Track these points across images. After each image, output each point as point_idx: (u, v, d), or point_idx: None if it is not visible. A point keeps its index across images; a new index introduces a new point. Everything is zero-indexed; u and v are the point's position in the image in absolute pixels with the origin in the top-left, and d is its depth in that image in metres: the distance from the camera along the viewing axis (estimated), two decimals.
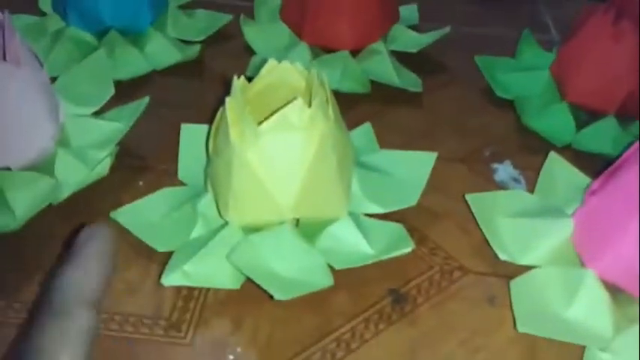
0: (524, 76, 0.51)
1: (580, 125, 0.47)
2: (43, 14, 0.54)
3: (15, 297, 0.33)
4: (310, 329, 0.33)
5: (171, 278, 0.32)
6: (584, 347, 0.32)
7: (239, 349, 0.31)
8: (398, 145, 0.45)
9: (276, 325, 0.32)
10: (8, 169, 0.36)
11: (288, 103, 0.32)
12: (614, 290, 0.33)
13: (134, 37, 0.51)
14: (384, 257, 0.34)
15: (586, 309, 0.32)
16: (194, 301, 0.33)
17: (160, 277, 0.33)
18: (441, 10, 0.65)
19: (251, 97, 0.35)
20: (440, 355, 0.32)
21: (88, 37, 0.51)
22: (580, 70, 0.47)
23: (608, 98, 0.46)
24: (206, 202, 0.36)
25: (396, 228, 0.35)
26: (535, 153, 0.45)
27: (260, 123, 0.32)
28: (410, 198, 0.37)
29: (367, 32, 0.52)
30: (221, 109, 0.35)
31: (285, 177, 0.33)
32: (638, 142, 0.34)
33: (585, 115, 0.48)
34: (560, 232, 0.35)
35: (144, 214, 0.36)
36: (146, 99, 0.41)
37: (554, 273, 0.34)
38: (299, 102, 0.32)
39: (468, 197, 0.38)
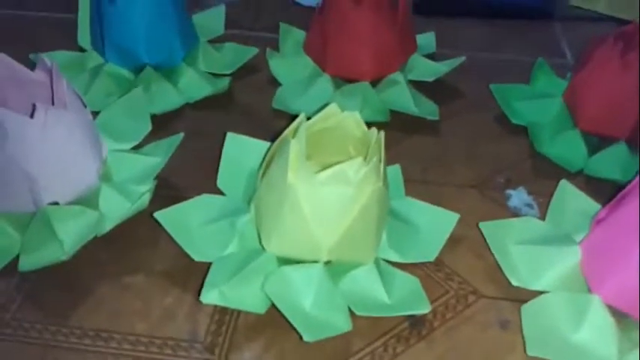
0: (538, 103, 0.53)
1: (592, 151, 0.49)
2: (82, 50, 0.58)
3: (64, 322, 0.36)
4: (332, 353, 0.35)
5: (209, 297, 0.35)
6: None
7: None
8: (418, 172, 0.48)
9: (300, 349, 0.35)
10: (56, 203, 0.39)
11: (344, 153, 0.36)
12: (619, 315, 0.35)
13: (168, 72, 0.55)
14: (404, 313, 0.36)
15: (592, 333, 0.34)
16: (226, 325, 0.36)
17: (196, 298, 0.36)
18: (457, 35, 0.67)
19: (308, 128, 0.38)
20: None
21: (126, 73, 0.54)
22: (590, 99, 0.49)
23: (618, 125, 0.48)
24: (246, 222, 0.39)
25: (413, 283, 0.38)
26: (548, 179, 0.47)
27: (317, 171, 0.35)
28: (429, 254, 0.40)
29: (386, 63, 0.55)
30: (278, 140, 0.38)
31: (331, 223, 0.35)
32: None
33: (597, 142, 0.50)
34: (568, 259, 0.37)
35: (184, 220, 0.39)
36: (181, 135, 0.44)
37: (562, 298, 0.36)
38: (359, 160, 0.34)
39: (482, 225, 0.41)
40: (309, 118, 0.39)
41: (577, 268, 0.37)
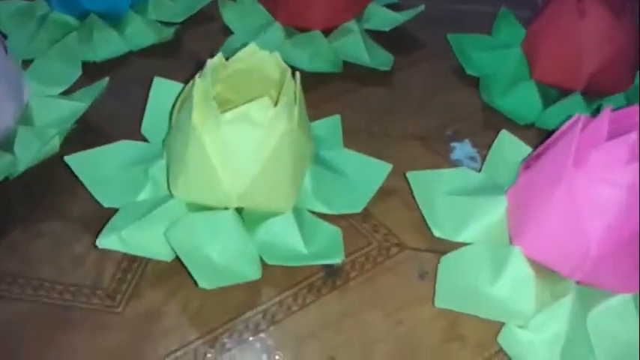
0: (496, 53, 0.50)
1: (548, 105, 0.47)
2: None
3: None
4: (240, 301, 0.34)
5: (107, 241, 0.34)
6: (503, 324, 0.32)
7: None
8: (363, 123, 0.46)
9: (207, 297, 0.33)
10: None
11: (257, 93, 0.33)
12: (542, 267, 0.33)
13: (114, 19, 0.53)
14: (312, 262, 0.35)
15: (510, 287, 0.33)
16: (132, 272, 0.35)
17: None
18: None
19: (224, 76, 0.37)
20: (362, 327, 0.33)
21: (71, 20, 0.53)
22: (545, 47, 0.46)
23: (574, 75, 0.46)
24: (159, 168, 0.37)
25: (334, 233, 0.36)
26: (497, 132, 0.44)
27: (225, 110, 0.33)
28: (356, 204, 0.38)
29: (339, 11, 0.52)
30: (190, 82, 0.36)
31: (238, 168, 0.34)
32: (577, 116, 0.34)
33: (556, 94, 0.47)
34: (494, 209, 0.35)
35: (97, 165, 0.37)
36: (105, 79, 0.43)
37: (482, 250, 0.34)
38: (265, 100, 0.33)
39: (409, 175, 0.39)
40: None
41: (503, 218, 0.35)
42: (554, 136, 0.34)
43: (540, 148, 0.34)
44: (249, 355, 0.32)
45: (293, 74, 0.36)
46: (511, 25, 0.53)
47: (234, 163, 0.34)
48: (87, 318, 0.33)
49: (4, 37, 0.52)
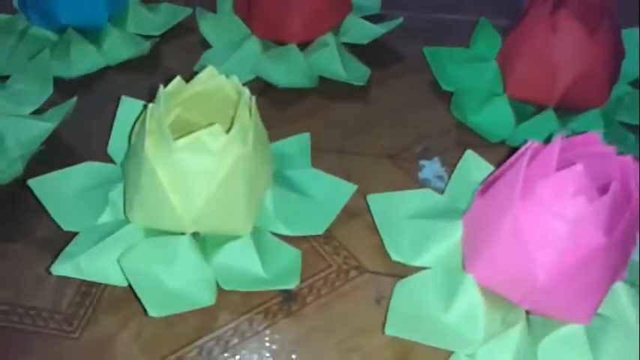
0: (472, 67, 0.50)
1: (522, 121, 0.46)
2: (15, 11, 0.57)
3: None
4: (194, 327, 0.34)
5: (62, 268, 0.34)
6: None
7: None
8: (334, 141, 0.46)
9: (161, 324, 0.33)
10: None
11: (216, 114, 0.35)
12: (494, 295, 0.33)
13: (92, 33, 0.53)
14: (272, 288, 0.35)
15: (460, 315, 0.32)
16: (90, 297, 0.35)
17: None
18: None
19: (184, 99, 0.37)
20: (314, 355, 0.33)
21: (50, 35, 0.53)
22: (519, 62, 0.46)
23: (547, 91, 0.45)
24: (119, 191, 0.37)
25: (294, 256, 0.36)
26: (470, 149, 0.44)
27: (183, 132, 0.33)
28: (318, 227, 0.38)
29: (315, 25, 0.52)
30: (147, 108, 0.36)
31: (190, 193, 0.34)
32: (530, 142, 0.33)
33: (530, 110, 0.47)
34: (450, 234, 0.35)
35: (59, 187, 0.38)
36: (74, 99, 0.43)
37: (435, 277, 0.34)
38: (216, 128, 0.33)
39: (369, 197, 0.39)
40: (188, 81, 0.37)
41: (458, 243, 0.35)
42: (508, 162, 0.33)
43: (495, 174, 0.34)
44: None
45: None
46: (489, 36, 0.52)
47: (186, 188, 0.34)
48: (44, 343, 0.33)
49: None
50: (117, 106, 0.45)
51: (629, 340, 0.32)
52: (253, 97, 0.36)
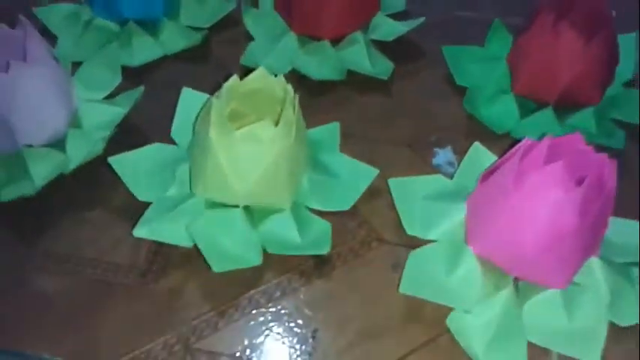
0: (484, 66, 0.56)
1: (526, 115, 0.53)
2: (79, 2, 0.64)
3: (34, 246, 0.44)
4: (246, 282, 0.42)
5: (142, 231, 0.42)
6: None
7: None
8: (360, 129, 0.53)
9: (219, 278, 0.41)
10: (31, 146, 0.46)
11: (265, 108, 0.43)
12: (489, 264, 0.40)
13: (150, 25, 0.60)
14: (303, 253, 0.43)
15: (461, 279, 0.40)
16: (161, 255, 0.43)
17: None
18: None
19: (239, 94, 0.44)
20: (342, 307, 0.41)
21: (112, 25, 0.60)
22: (525, 63, 0.52)
23: (548, 89, 0.52)
24: (184, 170, 0.45)
25: (325, 227, 0.44)
26: (478, 139, 0.51)
27: (238, 123, 0.41)
28: (345, 204, 0.46)
29: (346, 23, 0.59)
30: (210, 99, 0.44)
31: (244, 174, 0.42)
32: (525, 140, 0.40)
33: (533, 106, 0.53)
34: (456, 214, 0.42)
35: (134, 165, 0.46)
36: (141, 88, 0.51)
37: (442, 248, 0.41)
38: (267, 122, 0.41)
39: (390, 181, 0.46)
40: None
41: (462, 222, 0.42)
42: (506, 154, 0.40)
43: (495, 164, 0.41)
44: (251, 326, 0.40)
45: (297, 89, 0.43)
46: (502, 36, 0.59)
47: (241, 170, 0.41)
48: (124, 291, 0.42)
49: (55, 38, 0.60)
50: (176, 92, 0.52)
51: (598, 305, 0.39)
52: (297, 96, 0.43)
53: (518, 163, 0.37)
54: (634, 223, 0.44)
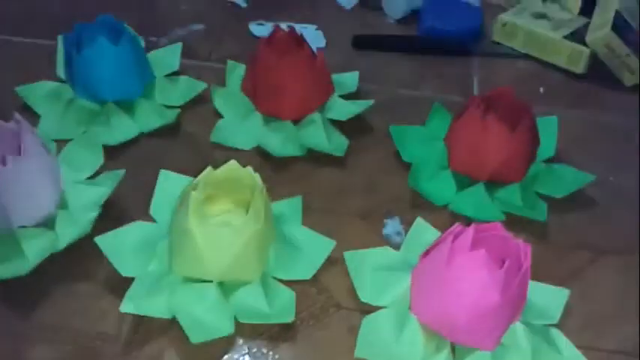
0: (425, 145, 0.64)
1: (461, 189, 0.61)
2: (61, 80, 0.70)
3: (28, 318, 0.49)
4: (220, 348, 0.48)
5: (128, 307, 0.48)
6: None
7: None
8: (319, 202, 0.60)
9: (197, 345, 0.47)
10: (24, 227, 0.52)
11: (237, 193, 0.50)
12: (429, 329, 0.47)
13: (127, 105, 0.67)
14: (271, 321, 0.49)
15: (406, 343, 0.47)
16: (143, 325, 0.49)
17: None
18: (383, 71, 0.78)
19: (214, 182, 0.51)
20: None
21: (93, 105, 0.66)
22: (459, 146, 0.60)
23: (479, 170, 0.60)
24: (163, 246, 0.51)
25: (290, 295, 0.50)
26: (421, 211, 0.59)
27: (213, 209, 0.49)
28: (307, 273, 0.52)
29: (304, 106, 0.66)
30: (189, 189, 0.50)
31: (219, 255, 0.48)
32: (456, 225, 0.48)
33: (467, 181, 0.61)
34: (402, 283, 0.50)
35: (117, 243, 0.51)
36: (122, 171, 0.57)
37: (390, 314, 0.48)
38: (241, 211, 0.48)
39: (345, 254, 0.53)
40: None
41: (408, 290, 0.49)
42: (442, 236, 0.48)
43: (433, 243, 0.48)
44: None
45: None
46: (442, 117, 0.67)
47: (216, 252, 0.48)
48: (111, 358, 0.47)
49: (36, 115, 0.65)
50: (151, 169, 0.59)
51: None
52: (264, 187, 0.50)
53: (449, 246, 0.45)
54: (552, 287, 0.52)
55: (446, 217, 0.59)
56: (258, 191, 0.49)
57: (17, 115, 0.53)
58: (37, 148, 0.52)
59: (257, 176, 0.51)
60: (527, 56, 0.83)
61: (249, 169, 0.51)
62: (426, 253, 0.48)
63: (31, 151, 0.51)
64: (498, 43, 0.85)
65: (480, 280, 0.43)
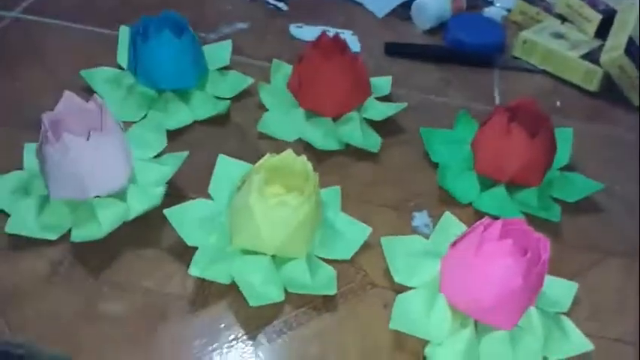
0: (452, 147, 0.71)
1: (484, 190, 0.68)
2: (119, 67, 0.77)
3: (98, 276, 0.56)
4: (270, 314, 0.55)
5: (195, 271, 0.54)
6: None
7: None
8: (354, 192, 0.67)
9: (251, 309, 0.53)
10: (98, 196, 0.58)
11: (291, 179, 0.56)
12: (456, 309, 0.54)
13: (183, 94, 0.73)
14: (316, 293, 0.55)
15: (435, 319, 0.54)
16: (205, 288, 0.56)
17: (187, 269, 0.54)
18: (412, 77, 0.85)
19: (271, 167, 0.57)
20: (343, 337, 0.54)
21: (152, 92, 0.73)
22: (484, 150, 0.67)
23: (502, 173, 0.67)
24: (221, 222, 0.58)
25: (331, 273, 0.57)
26: (447, 207, 0.65)
27: (270, 192, 0.55)
28: (346, 254, 0.59)
29: (344, 105, 0.73)
30: (250, 170, 0.57)
31: (276, 232, 0.55)
32: (485, 219, 0.54)
33: (490, 182, 0.68)
34: (432, 267, 0.56)
35: (183, 216, 0.58)
36: (186, 153, 0.63)
37: (421, 294, 0.55)
38: (297, 193, 0.54)
39: (382, 239, 0.59)
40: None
41: (437, 274, 0.56)
42: (470, 227, 0.55)
43: (463, 233, 0.55)
44: (275, 348, 0.53)
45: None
46: (468, 123, 0.74)
47: (273, 229, 0.54)
48: (176, 315, 0.54)
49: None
50: (204, 153, 0.65)
51: (535, 343, 0.53)
52: (317, 174, 0.56)
53: (479, 236, 0.52)
54: (563, 280, 0.58)
55: (469, 214, 0.66)
56: (312, 178, 0.56)
57: (96, 95, 0.59)
58: (114, 126, 0.58)
59: (311, 166, 0.57)
60: (544, 72, 0.90)
61: (304, 158, 0.58)
62: (456, 242, 0.55)
63: (110, 128, 0.58)
64: (518, 58, 0.92)
65: (506, 266, 0.50)
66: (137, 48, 0.71)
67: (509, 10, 1.02)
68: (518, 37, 0.92)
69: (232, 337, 0.53)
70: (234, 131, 0.73)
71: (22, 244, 0.57)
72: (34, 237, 0.57)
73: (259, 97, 0.76)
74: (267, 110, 0.75)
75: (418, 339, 0.53)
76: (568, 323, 0.56)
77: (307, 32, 0.91)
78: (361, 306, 0.57)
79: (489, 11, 1.02)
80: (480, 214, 0.66)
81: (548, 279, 0.56)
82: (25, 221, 0.57)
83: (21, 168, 0.63)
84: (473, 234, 0.53)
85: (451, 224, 0.61)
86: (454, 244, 0.55)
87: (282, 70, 0.78)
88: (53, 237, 0.57)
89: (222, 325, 0.54)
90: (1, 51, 0.80)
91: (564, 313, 0.57)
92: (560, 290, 0.58)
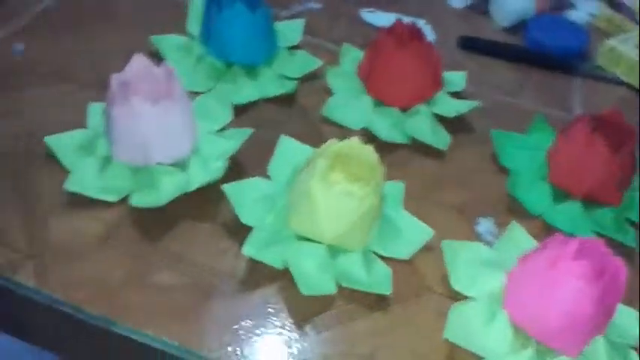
0: (525, 154, 0.67)
1: (558, 202, 0.64)
2: (189, 35, 0.75)
3: (154, 244, 0.55)
4: (320, 306, 0.53)
5: (247, 251, 0.52)
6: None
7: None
8: (417, 189, 0.64)
9: (301, 298, 0.52)
10: (160, 164, 0.57)
11: (356, 168, 0.54)
12: (518, 327, 0.51)
13: (251, 70, 0.71)
14: (369, 290, 0.53)
15: (494, 335, 0.51)
16: (257, 270, 0.54)
17: (240, 247, 0.53)
18: (487, 75, 0.81)
19: (336, 154, 0.55)
20: (395, 340, 0.52)
21: (221, 64, 0.71)
22: (562, 161, 0.63)
23: (578, 186, 0.63)
24: (279, 203, 0.56)
25: (386, 271, 0.54)
26: (515, 216, 0.62)
27: (333, 177, 0.53)
28: (405, 254, 0.56)
29: (413, 96, 0.70)
30: (314, 154, 0.55)
31: (336, 221, 0.53)
32: (558, 234, 0.51)
33: (563, 195, 0.64)
34: (495, 279, 0.53)
35: (241, 193, 0.56)
36: (250, 130, 0.61)
37: (480, 306, 0.52)
38: (362, 183, 0.52)
39: (443, 243, 0.57)
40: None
41: (500, 287, 0.53)
42: (542, 243, 0.51)
43: (535, 249, 0.52)
44: (322, 341, 0.51)
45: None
46: (544, 129, 0.70)
47: (334, 217, 0.52)
48: (226, 293, 0.52)
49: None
50: (266, 132, 0.63)
51: None
52: (383, 167, 0.54)
53: (554, 253, 0.48)
54: (635, 311, 0.55)
55: (537, 226, 0.63)
56: (379, 169, 0.53)
57: (165, 62, 0.58)
58: (182, 94, 0.57)
59: (378, 157, 0.55)
60: (628, 85, 0.85)
61: (371, 147, 0.55)
62: (527, 257, 0.52)
63: (178, 96, 0.56)
64: (600, 67, 0.87)
65: (578, 289, 0.47)
66: (211, 17, 0.69)
67: (592, 15, 0.97)
68: (603, 45, 0.87)
69: (279, 323, 0.51)
70: (299, 113, 0.71)
71: (79, 202, 0.57)
72: (92, 197, 0.56)
73: (327, 80, 0.73)
74: (333, 94, 0.72)
75: (472, 354, 0.51)
76: (636, 358, 0.52)
77: (379, 18, 0.88)
78: (415, 310, 0.54)
79: (573, 14, 0.97)
80: (548, 228, 0.62)
81: (619, 307, 0.53)
82: (85, 180, 0.57)
83: (85, 126, 0.62)
84: (547, 250, 0.50)
85: (518, 235, 0.58)
86: (524, 258, 0.52)
87: (352, 55, 0.76)
88: (113, 199, 0.56)
89: (271, 310, 0.52)
90: (78, 12, 0.80)
91: (634, 348, 0.53)
92: (631, 321, 0.54)
